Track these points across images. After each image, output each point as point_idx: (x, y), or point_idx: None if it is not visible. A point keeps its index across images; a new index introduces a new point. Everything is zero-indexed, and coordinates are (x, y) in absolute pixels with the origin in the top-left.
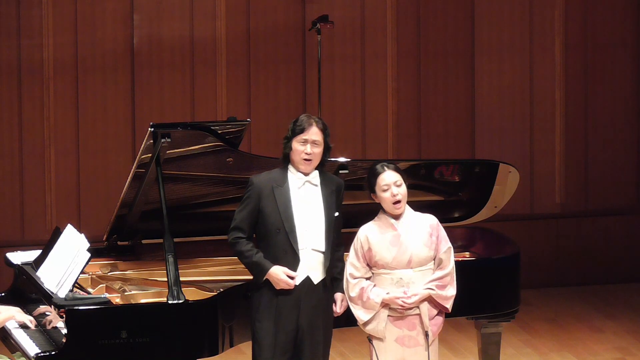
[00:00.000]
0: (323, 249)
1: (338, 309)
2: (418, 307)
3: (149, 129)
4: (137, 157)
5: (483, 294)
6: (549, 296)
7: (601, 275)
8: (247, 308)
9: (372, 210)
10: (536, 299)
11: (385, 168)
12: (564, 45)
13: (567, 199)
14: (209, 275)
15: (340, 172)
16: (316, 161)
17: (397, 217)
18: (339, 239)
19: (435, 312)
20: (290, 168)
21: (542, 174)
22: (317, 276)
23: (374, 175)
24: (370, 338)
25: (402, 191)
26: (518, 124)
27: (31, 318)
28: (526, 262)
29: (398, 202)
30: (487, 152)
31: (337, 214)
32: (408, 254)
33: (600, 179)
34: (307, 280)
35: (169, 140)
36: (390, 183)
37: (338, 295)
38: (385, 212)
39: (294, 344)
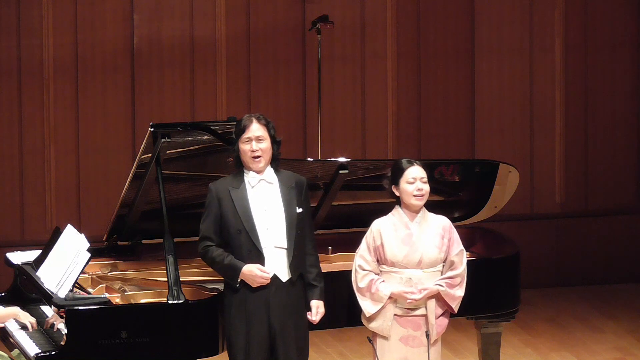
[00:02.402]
0: (286, 246)
1: (314, 316)
2: (425, 307)
3: (149, 129)
4: (137, 157)
5: (483, 294)
6: (549, 296)
7: (601, 275)
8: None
9: (372, 211)
10: (536, 299)
11: (414, 163)
12: (564, 46)
13: (567, 199)
14: (209, 275)
15: (340, 172)
16: (266, 156)
17: (412, 216)
18: (311, 241)
19: (440, 312)
20: (245, 170)
21: (542, 174)
22: (284, 274)
23: (400, 168)
24: (370, 338)
25: (426, 189)
26: (518, 124)
27: (33, 320)
28: (526, 262)
29: (420, 196)
30: (487, 152)
31: (300, 210)
32: (419, 254)
33: (600, 179)
34: (275, 278)
35: (168, 140)
36: (417, 177)
37: (314, 303)
38: (400, 209)
39: (267, 346)
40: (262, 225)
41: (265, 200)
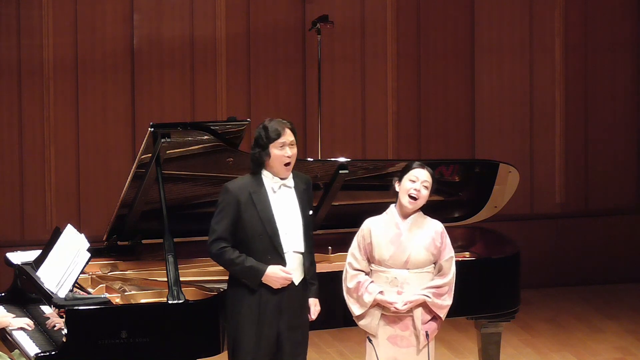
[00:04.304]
0: (303, 250)
1: (312, 315)
2: (412, 310)
3: (149, 129)
4: (137, 157)
5: (483, 294)
6: (549, 296)
7: (601, 275)
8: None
9: (372, 211)
10: (536, 299)
11: (425, 167)
12: (564, 46)
13: (567, 199)
14: (209, 275)
15: (340, 172)
16: (293, 162)
17: (404, 216)
18: (312, 241)
19: (429, 317)
20: (264, 173)
21: (542, 174)
22: (298, 277)
23: (409, 166)
24: (370, 338)
25: (423, 193)
26: (518, 124)
27: (28, 321)
28: (526, 262)
29: (414, 199)
30: (487, 152)
31: (310, 212)
32: (406, 255)
33: (600, 179)
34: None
35: (168, 140)
36: (420, 179)
37: (311, 301)
38: (394, 208)
39: (275, 346)
40: (283, 230)
41: (285, 205)
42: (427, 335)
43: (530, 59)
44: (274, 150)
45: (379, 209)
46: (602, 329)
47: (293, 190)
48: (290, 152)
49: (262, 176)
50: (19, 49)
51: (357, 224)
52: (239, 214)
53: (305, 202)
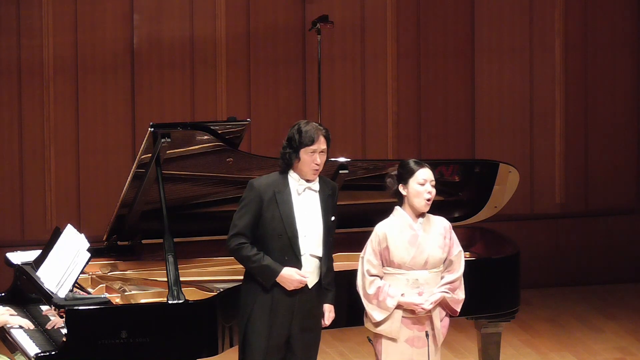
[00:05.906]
0: (320, 254)
1: (327, 321)
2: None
3: (149, 129)
4: (137, 157)
5: (483, 294)
6: (549, 296)
7: (601, 275)
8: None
9: (372, 211)
10: (536, 299)
11: (424, 165)
12: (564, 45)
13: (567, 199)
14: (209, 275)
15: (340, 172)
16: (322, 168)
17: (415, 217)
18: (332, 246)
19: (443, 314)
20: (292, 173)
21: (542, 174)
22: (313, 280)
23: (410, 168)
24: (370, 338)
25: (434, 191)
26: (518, 124)
27: (27, 321)
28: (526, 262)
29: (429, 200)
30: (487, 152)
31: (333, 218)
32: (425, 255)
33: (600, 179)
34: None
35: (168, 140)
36: (428, 179)
37: (326, 307)
38: (402, 210)
39: (285, 345)
40: (302, 233)
41: (307, 208)
42: (427, 334)
43: (530, 59)
44: (304, 155)
45: (379, 209)
46: (602, 329)
47: (318, 194)
48: (320, 159)
49: (289, 176)
50: (19, 49)
51: (358, 224)
52: (260, 212)
53: (328, 208)
